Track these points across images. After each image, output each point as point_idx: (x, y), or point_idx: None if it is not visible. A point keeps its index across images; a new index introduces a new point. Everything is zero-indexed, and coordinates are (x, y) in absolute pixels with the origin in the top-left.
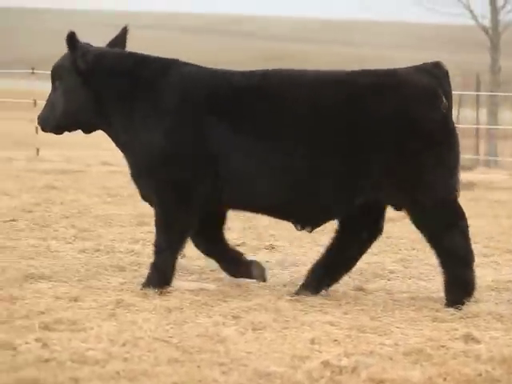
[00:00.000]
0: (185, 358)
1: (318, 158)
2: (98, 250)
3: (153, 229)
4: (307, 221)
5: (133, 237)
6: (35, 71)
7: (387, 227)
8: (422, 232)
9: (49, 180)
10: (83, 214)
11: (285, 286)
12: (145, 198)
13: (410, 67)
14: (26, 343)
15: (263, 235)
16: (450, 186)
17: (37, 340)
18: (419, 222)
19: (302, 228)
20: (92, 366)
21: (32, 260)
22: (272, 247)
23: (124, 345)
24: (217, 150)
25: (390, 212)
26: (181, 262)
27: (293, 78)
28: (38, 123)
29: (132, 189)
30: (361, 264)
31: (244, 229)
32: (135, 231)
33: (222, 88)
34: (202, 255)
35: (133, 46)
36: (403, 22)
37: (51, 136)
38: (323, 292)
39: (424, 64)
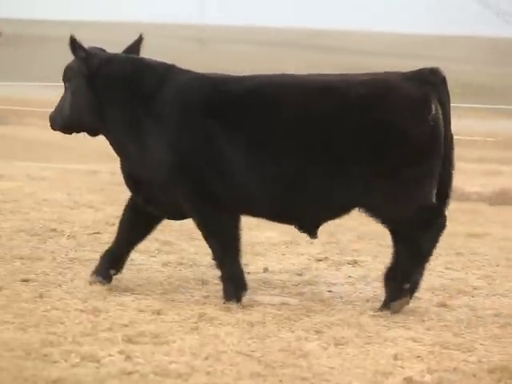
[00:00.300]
0: (267, 372)
1: (308, 163)
2: (180, 264)
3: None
4: (307, 223)
5: None
6: None
7: (471, 243)
8: (393, 232)
9: None
10: (166, 227)
11: (368, 301)
12: (149, 204)
13: (405, 73)
14: (110, 356)
15: (346, 250)
16: (431, 195)
17: (120, 352)
18: (395, 228)
19: (305, 231)
20: (175, 380)
21: None
22: (355, 262)
23: (206, 358)
24: (218, 156)
25: (473, 228)
26: (263, 276)
27: (288, 86)
28: (49, 121)
29: None
30: (444, 280)
31: (327, 243)
32: None
33: (222, 93)
34: (284, 269)
35: (212, 60)
36: (482, 37)
37: None
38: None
39: (421, 70)
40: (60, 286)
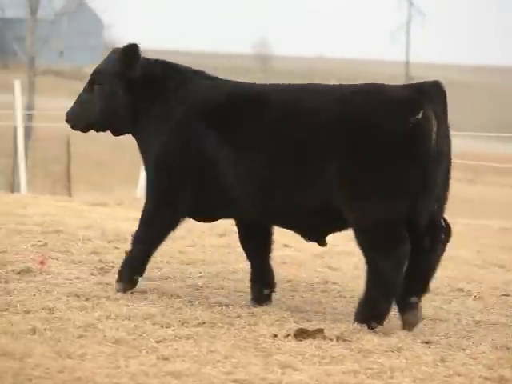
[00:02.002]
0: None
1: (286, 163)
2: None
3: None
4: (306, 232)
5: None
6: None
7: None
8: (361, 251)
9: None
10: None
11: None
12: None
13: (407, 84)
14: None
15: None
16: (393, 208)
17: None
18: (358, 240)
19: (310, 240)
20: None
21: None
22: None
23: None
24: (211, 161)
25: None
26: None
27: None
28: (67, 120)
29: None
30: None
31: None
32: None
33: (222, 100)
34: None
35: None
36: None
37: None
38: None
39: (422, 82)
40: (463, 350)
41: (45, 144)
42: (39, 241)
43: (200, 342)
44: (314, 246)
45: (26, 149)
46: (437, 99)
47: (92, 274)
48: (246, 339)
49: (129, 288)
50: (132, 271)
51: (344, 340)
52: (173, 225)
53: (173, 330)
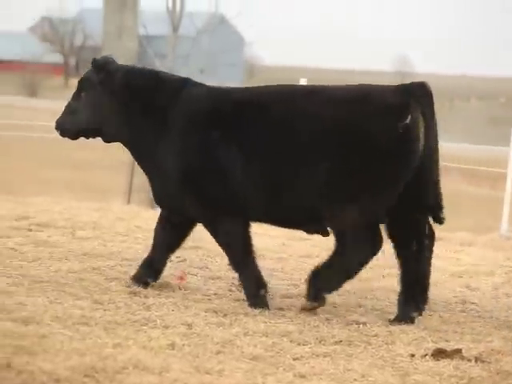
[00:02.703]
0: None
1: (287, 164)
2: None
3: None
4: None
5: None
6: None
7: None
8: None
9: None
10: None
11: None
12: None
13: (394, 85)
14: None
15: None
16: (375, 207)
17: None
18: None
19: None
20: None
21: None
22: None
23: None
24: (224, 166)
25: None
26: None
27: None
28: (56, 128)
29: None
30: None
31: None
32: None
33: (225, 105)
34: None
35: None
36: None
37: None
38: None
39: (410, 83)
40: None
41: None
42: (178, 256)
43: (337, 360)
44: (452, 265)
45: None
46: (425, 100)
47: (230, 291)
48: (383, 358)
49: (262, 307)
50: (255, 291)
51: (482, 361)
52: (242, 227)
53: (310, 347)
